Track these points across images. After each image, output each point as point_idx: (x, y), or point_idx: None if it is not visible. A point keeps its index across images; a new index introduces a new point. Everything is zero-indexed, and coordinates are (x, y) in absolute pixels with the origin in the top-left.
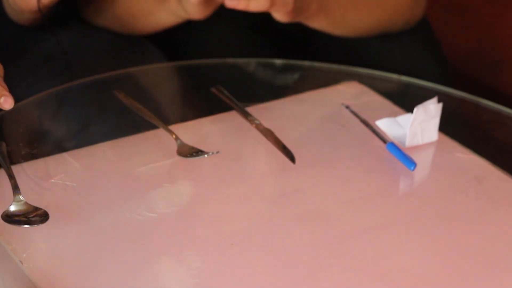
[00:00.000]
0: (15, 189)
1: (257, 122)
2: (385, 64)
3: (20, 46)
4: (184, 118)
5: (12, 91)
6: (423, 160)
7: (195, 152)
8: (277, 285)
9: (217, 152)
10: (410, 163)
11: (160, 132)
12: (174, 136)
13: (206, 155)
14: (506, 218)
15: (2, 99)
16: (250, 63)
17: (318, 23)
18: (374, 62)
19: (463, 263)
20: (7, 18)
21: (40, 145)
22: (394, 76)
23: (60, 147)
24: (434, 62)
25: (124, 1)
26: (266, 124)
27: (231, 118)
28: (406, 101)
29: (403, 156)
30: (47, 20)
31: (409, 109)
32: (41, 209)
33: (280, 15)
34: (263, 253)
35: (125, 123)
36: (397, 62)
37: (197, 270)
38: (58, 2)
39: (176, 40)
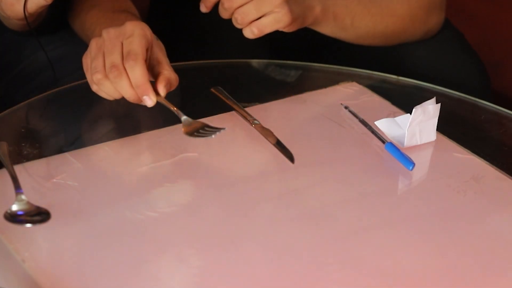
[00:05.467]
0: (17, 188)
1: (257, 122)
2: (427, 72)
3: (11, 59)
4: None
5: (10, 99)
6: (422, 160)
7: (202, 129)
8: (277, 284)
9: (224, 129)
10: (409, 163)
11: (161, 132)
12: (175, 109)
13: (213, 136)
14: (504, 217)
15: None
16: (250, 64)
17: (326, 28)
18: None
19: (461, 262)
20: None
21: (42, 145)
22: (393, 77)
23: (61, 147)
24: (475, 68)
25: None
26: (266, 124)
27: (231, 118)
28: (405, 101)
29: (401, 156)
30: (34, 29)
31: (408, 110)
32: (43, 208)
33: (283, 28)
34: (263, 252)
35: (126, 123)
36: (437, 70)
37: (197, 269)
38: (46, 10)
39: (175, 42)
